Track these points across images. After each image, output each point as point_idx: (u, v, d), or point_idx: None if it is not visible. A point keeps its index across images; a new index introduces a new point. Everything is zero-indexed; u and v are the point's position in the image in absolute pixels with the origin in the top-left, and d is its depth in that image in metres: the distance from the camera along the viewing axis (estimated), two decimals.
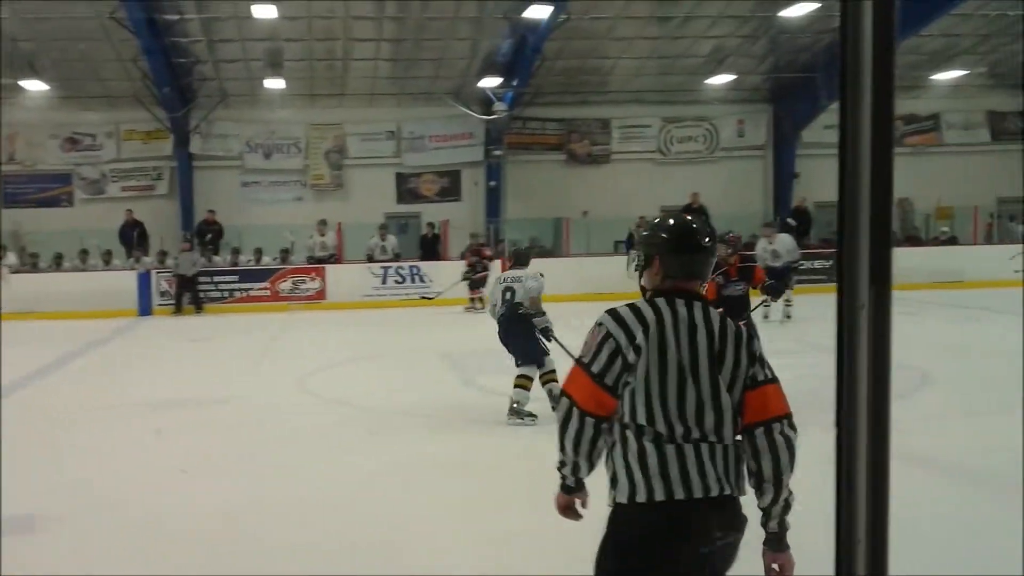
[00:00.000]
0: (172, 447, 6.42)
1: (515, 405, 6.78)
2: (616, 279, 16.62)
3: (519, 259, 7.49)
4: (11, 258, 17.61)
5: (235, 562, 4.08)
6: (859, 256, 1.25)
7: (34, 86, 18.43)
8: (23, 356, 10.47)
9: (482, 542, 4.35)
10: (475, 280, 16.29)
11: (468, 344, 11.35)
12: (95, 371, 10.67)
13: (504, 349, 7.06)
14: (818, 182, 20.13)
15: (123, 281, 17.47)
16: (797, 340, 10.84)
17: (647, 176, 20.86)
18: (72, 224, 19.17)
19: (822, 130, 20.11)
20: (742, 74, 20.25)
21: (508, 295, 6.97)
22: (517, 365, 6.90)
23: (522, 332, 6.83)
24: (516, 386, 6.82)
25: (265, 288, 17.90)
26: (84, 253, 18.33)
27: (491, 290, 7.40)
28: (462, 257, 17.01)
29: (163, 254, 18.35)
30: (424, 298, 16.73)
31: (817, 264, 17.90)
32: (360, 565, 4.04)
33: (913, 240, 20.21)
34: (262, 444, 6.53)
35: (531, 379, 6.83)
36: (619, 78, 20.51)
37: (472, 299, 16.24)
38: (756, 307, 8.79)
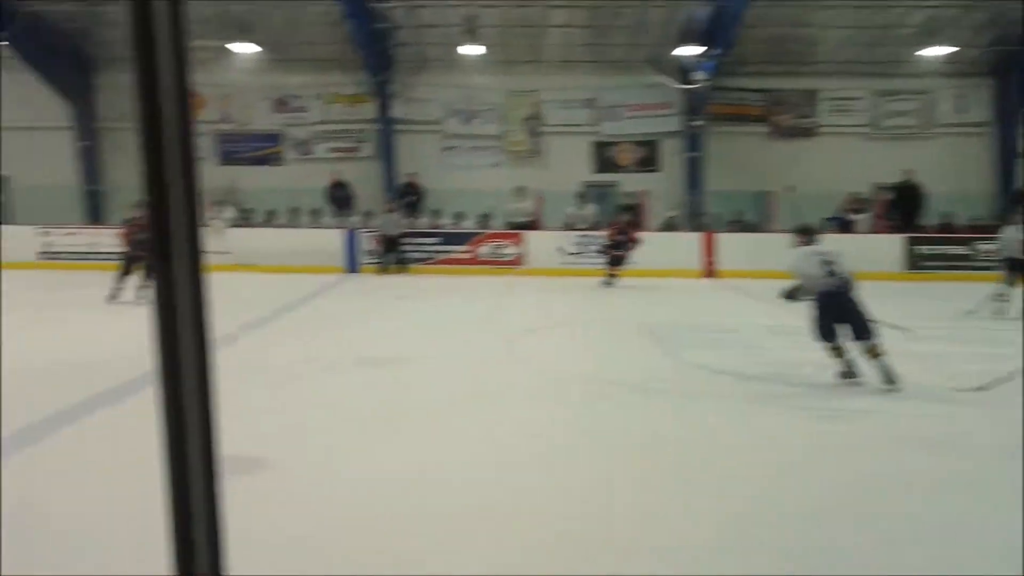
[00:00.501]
0: (382, 400, 6.66)
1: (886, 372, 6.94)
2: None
3: (809, 233, 7.78)
4: (229, 212, 18.68)
5: (437, 511, 4.20)
6: None
7: (245, 49, 19.43)
8: (240, 308, 11.18)
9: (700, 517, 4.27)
10: (615, 257, 16.17)
11: (668, 316, 11.77)
12: (308, 325, 11.15)
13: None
14: None
15: (331, 239, 18.29)
16: None
17: (857, 151, 20.63)
18: (282, 182, 20.22)
19: None
20: (961, 46, 19.64)
21: (828, 268, 7.19)
22: (859, 338, 7.02)
23: (858, 304, 6.99)
24: (874, 356, 6.95)
25: (466, 251, 18.43)
26: (295, 211, 19.28)
27: (796, 265, 7.48)
28: (611, 227, 16.65)
29: (367, 214, 19.12)
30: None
31: None
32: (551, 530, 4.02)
33: None
34: (471, 400, 6.64)
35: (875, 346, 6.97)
36: (827, 48, 20.31)
37: (611, 275, 16.08)
38: None
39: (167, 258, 0.89)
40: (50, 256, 18.33)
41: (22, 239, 18.04)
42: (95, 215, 20.82)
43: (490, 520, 4.07)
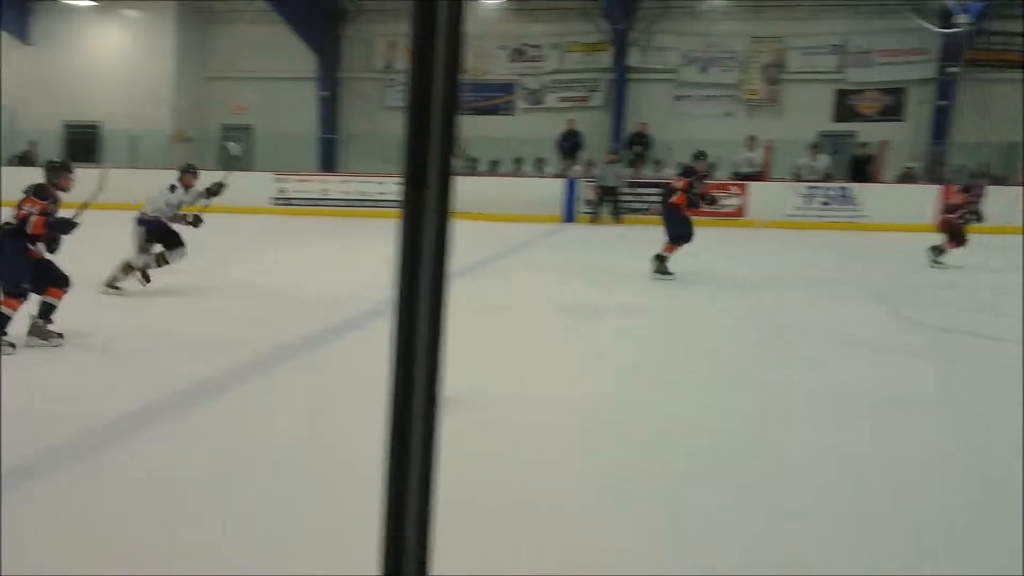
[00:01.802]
0: (582, 345, 7.40)
1: None
2: None
3: None
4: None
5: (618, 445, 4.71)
6: None
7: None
8: (460, 252, 12.84)
9: None
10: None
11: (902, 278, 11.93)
12: (516, 271, 12.28)
13: None
14: None
15: (552, 188, 20.18)
16: None
17: None
18: (511, 131, 22.52)
19: None
20: None
21: None
22: None
23: None
24: None
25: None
26: (518, 161, 21.42)
27: None
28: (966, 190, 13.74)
29: (590, 164, 20.85)
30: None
31: None
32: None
33: None
34: (678, 352, 7.15)
35: None
36: None
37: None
38: None
39: (421, 185, 0.95)
40: (282, 202, 21.30)
41: (260, 184, 20.88)
42: (328, 163, 24.10)
43: None
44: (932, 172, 19.99)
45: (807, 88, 22.03)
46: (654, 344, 7.47)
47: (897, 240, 16.31)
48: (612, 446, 4.65)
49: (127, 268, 8.92)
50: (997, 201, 15.16)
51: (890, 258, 14.20)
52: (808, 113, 21.83)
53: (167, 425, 4.87)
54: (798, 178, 19.74)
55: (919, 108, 21.36)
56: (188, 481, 3.98)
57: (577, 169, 21.13)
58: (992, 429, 5.10)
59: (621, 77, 22.69)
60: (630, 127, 22.28)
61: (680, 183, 11.31)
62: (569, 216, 20.15)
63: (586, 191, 20.20)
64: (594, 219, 19.74)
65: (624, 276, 11.21)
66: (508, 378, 5.99)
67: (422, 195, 0.98)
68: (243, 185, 20.75)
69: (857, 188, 19.22)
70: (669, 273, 10.92)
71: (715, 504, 3.84)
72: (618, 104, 22.73)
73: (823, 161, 20.00)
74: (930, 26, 20.69)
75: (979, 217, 13.12)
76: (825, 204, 19.23)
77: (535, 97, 23.62)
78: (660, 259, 11.04)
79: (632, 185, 20.05)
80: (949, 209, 13.44)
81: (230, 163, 20.01)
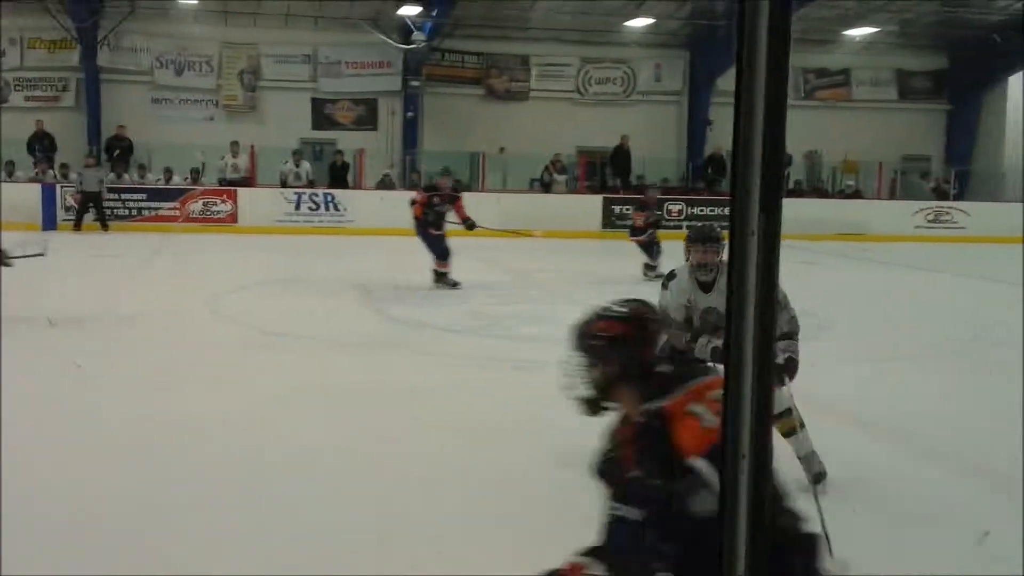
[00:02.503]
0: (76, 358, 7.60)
1: None
2: (531, 216, 20.08)
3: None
4: None
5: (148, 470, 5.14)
6: (752, 188, 1.50)
7: None
8: None
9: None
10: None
11: (383, 274, 13.63)
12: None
13: None
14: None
15: (26, 193, 19.60)
16: None
17: (565, 115, 24.59)
18: None
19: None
20: (660, 18, 23.62)
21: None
22: None
23: None
24: None
25: (175, 208, 20.37)
26: None
27: None
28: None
29: (65, 167, 20.62)
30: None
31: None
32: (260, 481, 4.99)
33: (820, 192, 24.08)
34: (169, 361, 7.75)
35: None
36: (539, 15, 24.08)
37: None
38: None
39: None
40: None
41: None
42: None
43: None
44: (406, 178, 22.77)
45: (284, 96, 23.81)
46: None
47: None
48: None
49: None
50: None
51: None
52: (288, 120, 23.65)
53: None
54: (284, 184, 21.30)
55: (390, 118, 24.12)
56: None
57: (52, 174, 20.68)
58: None
59: (92, 77, 22.53)
60: (108, 130, 22.21)
61: (421, 197, 12.39)
62: (50, 223, 19.71)
63: (67, 197, 19.90)
64: (77, 226, 19.54)
65: (100, 284, 12.19)
66: None
67: None
68: None
69: (341, 194, 21.30)
70: (456, 283, 12.29)
71: None
72: (91, 105, 22.55)
73: (305, 168, 21.80)
74: (390, 41, 23.49)
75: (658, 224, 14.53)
76: (313, 210, 20.99)
77: None
78: (439, 274, 12.30)
79: (115, 191, 20.19)
80: (636, 232, 14.39)
81: None
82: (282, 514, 4.50)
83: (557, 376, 2.86)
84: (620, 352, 2.73)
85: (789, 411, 4.80)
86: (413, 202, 12.53)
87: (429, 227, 12.25)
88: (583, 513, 2.90)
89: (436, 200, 12.39)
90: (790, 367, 4.75)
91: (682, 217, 21.50)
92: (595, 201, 22.05)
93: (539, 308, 11.11)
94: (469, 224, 12.71)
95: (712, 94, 24.73)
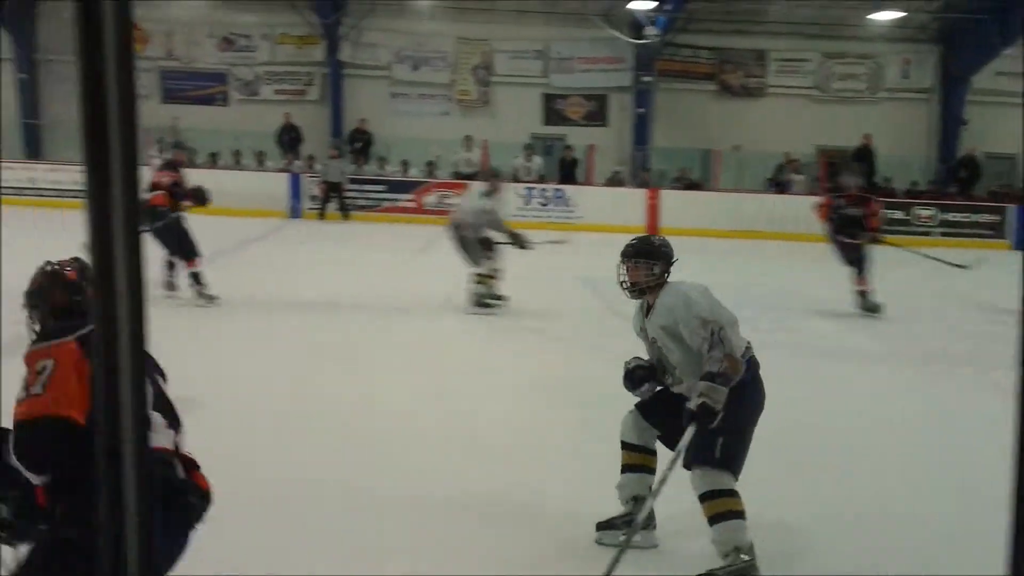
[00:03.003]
0: (314, 343, 8.34)
1: None
2: (765, 217, 19.51)
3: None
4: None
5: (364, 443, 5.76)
6: None
7: None
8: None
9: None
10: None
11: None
12: (246, 268, 12.98)
13: None
14: (989, 131, 22.22)
15: (275, 183, 20.60)
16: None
17: (803, 113, 23.83)
18: (227, 123, 22.63)
19: (995, 76, 22.23)
20: (909, 11, 22.43)
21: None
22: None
23: None
24: None
25: (411, 200, 20.87)
26: (237, 153, 21.56)
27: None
28: None
29: (311, 159, 21.46)
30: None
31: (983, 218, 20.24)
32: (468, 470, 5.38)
33: None
34: (400, 347, 8.28)
35: None
36: (777, 8, 23.23)
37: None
38: None
39: (106, 188, 1.01)
40: None
41: None
42: (34, 150, 22.85)
43: None
44: (636, 176, 22.61)
45: (516, 91, 24.06)
46: None
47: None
48: None
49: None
50: None
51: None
52: (519, 115, 23.92)
53: None
54: (515, 179, 21.51)
55: (621, 114, 23.99)
56: None
57: (299, 164, 21.63)
58: None
59: (335, 72, 23.49)
60: (349, 123, 23.06)
61: (825, 200, 11.57)
62: (295, 212, 20.65)
63: (312, 187, 20.78)
64: (321, 215, 20.39)
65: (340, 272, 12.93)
66: None
67: (106, 190, 1.03)
68: None
69: (571, 190, 21.34)
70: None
71: None
72: (335, 99, 23.53)
73: (536, 163, 21.97)
74: (622, 36, 23.35)
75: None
76: (542, 204, 21.13)
77: (250, 89, 23.76)
78: (862, 295, 11.10)
79: (356, 181, 20.94)
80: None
81: None
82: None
83: None
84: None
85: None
86: (819, 205, 11.54)
87: (840, 233, 11.01)
88: None
89: (842, 202, 11.13)
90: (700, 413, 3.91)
91: (933, 223, 20.54)
92: None
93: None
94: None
95: (967, 91, 23.53)
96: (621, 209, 20.64)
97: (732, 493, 4.03)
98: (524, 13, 23.80)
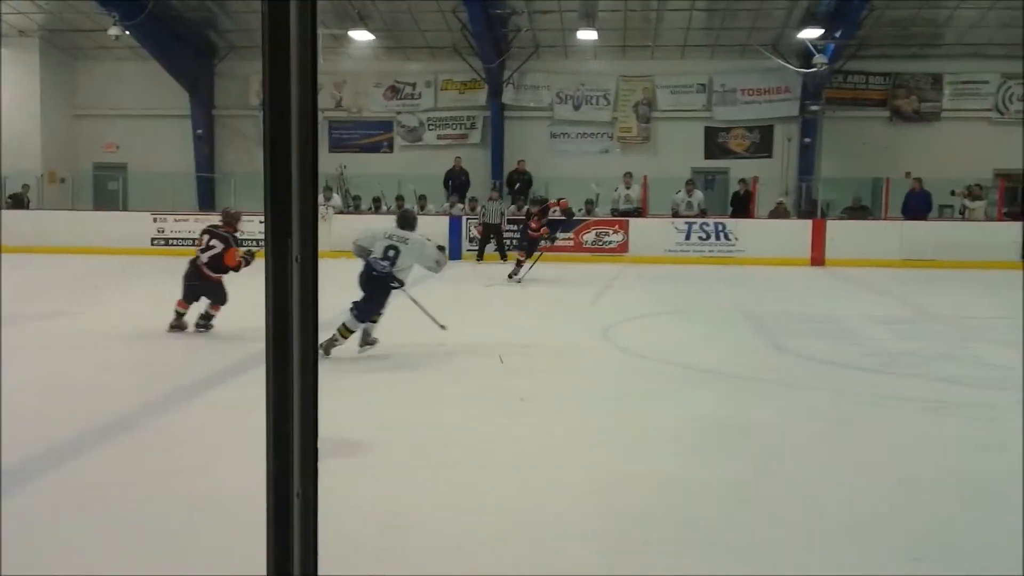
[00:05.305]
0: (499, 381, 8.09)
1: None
2: (940, 246, 19.13)
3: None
4: (336, 200, 22.32)
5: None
6: None
7: (362, 36, 23.25)
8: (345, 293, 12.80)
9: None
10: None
11: (776, 305, 13.59)
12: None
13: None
14: None
15: (434, 227, 21.45)
16: None
17: (980, 136, 23.28)
18: (390, 169, 23.98)
19: None
20: None
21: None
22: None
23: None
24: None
25: (569, 239, 21.36)
26: (400, 199, 22.79)
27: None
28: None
29: (472, 201, 22.45)
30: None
31: None
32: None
33: None
34: (564, 385, 7.96)
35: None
36: (955, 29, 22.67)
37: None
38: None
39: (286, 235, 1.07)
40: (161, 242, 22.01)
41: (138, 225, 21.75)
42: (206, 202, 25.04)
43: None
44: (801, 207, 22.57)
45: (677, 125, 24.52)
46: None
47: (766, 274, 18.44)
48: None
49: None
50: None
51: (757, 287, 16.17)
52: (680, 150, 24.34)
53: None
54: (676, 214, 21.82)
55: (786, 145, 24.05)
56: None
57: (460, 207, 22.66)
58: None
59: (497, 115, 24.58)
60: (509, 164, 24.07)
61: None
62: (454, 253, 21.56)
63: (471, 228, 21.71)
64: (479, 257, 21.21)
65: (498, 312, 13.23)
66: None
67: (285, 243, 1.08)
68: (120, 225, 21.64)
69: (732, 223, 21.48)
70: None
71: None
72: (495, 141, 24.61)
73: (698, 197, 22.22)
74: (789, 65, 23.42)
75: None
76: (702, 239, 21.34)
77: (414, 134, 25.18)
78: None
79: (514, 222, 21.69)
80: None
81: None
82: None
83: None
84: None
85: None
86: None
87: None
88: None
89: None
90: None
91: None
92: (1014, 229, 20.59)
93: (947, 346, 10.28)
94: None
95: None
96: (782, 241, 20.65)
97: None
98: (688, 47, 24.30)
